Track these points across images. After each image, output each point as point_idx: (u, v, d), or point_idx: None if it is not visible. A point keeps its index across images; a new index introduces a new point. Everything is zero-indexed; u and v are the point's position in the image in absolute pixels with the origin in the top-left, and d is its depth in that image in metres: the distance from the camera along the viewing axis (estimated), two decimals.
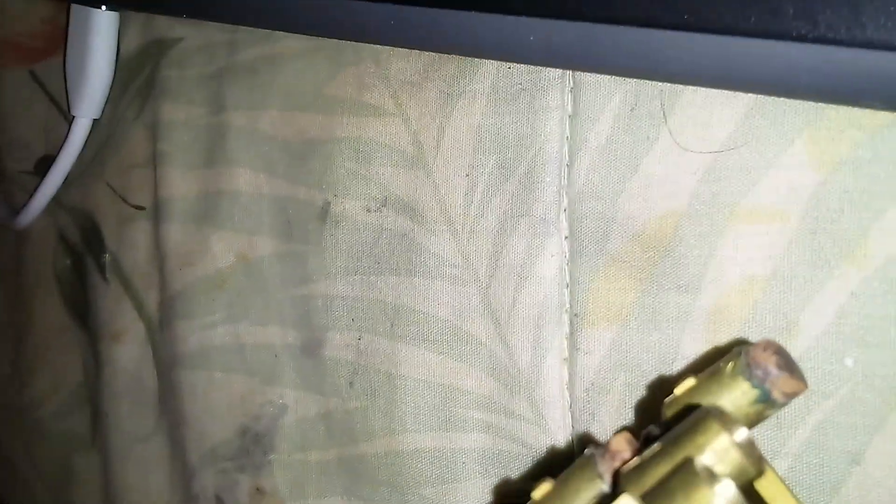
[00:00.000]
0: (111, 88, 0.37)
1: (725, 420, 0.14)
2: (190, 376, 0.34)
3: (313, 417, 0.31)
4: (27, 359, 0.42)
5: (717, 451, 0.13)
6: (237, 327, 0.33)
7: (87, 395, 0.39)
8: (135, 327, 0.37)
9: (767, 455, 0.22)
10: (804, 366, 0.22)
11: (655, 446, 0.15)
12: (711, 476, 0.13)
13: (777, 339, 0.22)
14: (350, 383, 0.30)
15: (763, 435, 0.22)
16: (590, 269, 0.25)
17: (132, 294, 0.37)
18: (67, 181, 0.39)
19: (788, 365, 0.16)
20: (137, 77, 0.36)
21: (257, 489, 0.32)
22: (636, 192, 0.24)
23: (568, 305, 0.26)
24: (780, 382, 0.15)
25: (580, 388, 0.26)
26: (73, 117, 0.37)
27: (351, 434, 0.30)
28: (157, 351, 0.36)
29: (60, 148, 0.38)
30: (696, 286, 0.23)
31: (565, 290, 0.26)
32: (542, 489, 0.17)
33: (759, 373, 0.15)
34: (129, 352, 0.37)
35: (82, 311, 0.39)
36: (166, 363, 0.35)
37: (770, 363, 0.15)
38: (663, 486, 0.13)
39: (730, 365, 0.16)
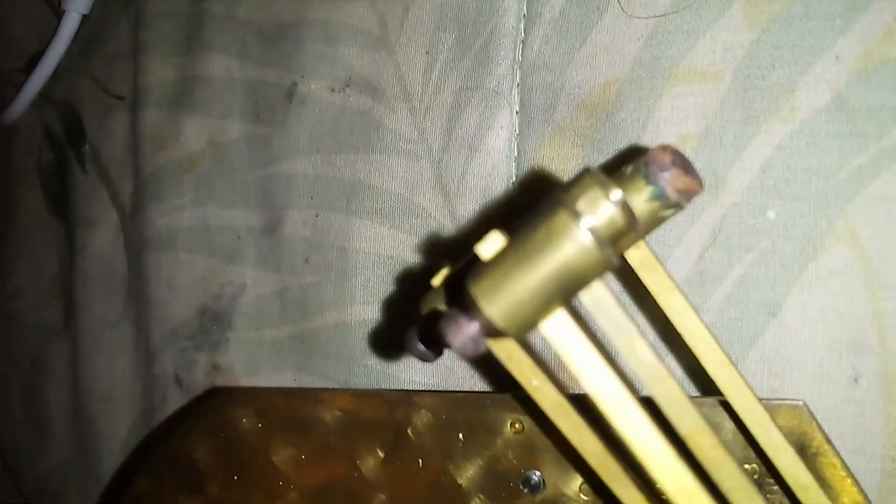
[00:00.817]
0: None
1: (600, 179, 0.15)
2: (156, 258, 0.35)
3: (270, 295, 0.32)
4: (8, 253, 0.43)
5: (588, 199, 0.14)
6: (204, 210, 0.34)
7: (61, 286, 0.40)
8: (109, 215, 0.37)
9: None
10: (729, 222, 0.22)
11: (542, 202, 0.15)
12: (575, 211, 0.13)
13: (704, 197, 0.22)
14: (306, 259, 0.31)
15: (687, 292, 0.23)
16: (537, 140, 0.26)
17: (108, 182, 0.37)
18: (55, 76, 0.40)
19: (684, 165, 0.16)
20: None
21: (213, 366, 0.33)
22: (584, 61, 0.25)
23: (514, 176, 0.26)
24: (673, 179, 0.16)
25: None
26: (63, 12, 0.38)
27: (304, 309, 0.31)
28: (129, 237, 0.37)
29: (49, 44, 0.39)
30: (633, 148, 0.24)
31: (513, 162, 0.26)
32: (440, 274, 0.17)
33: (654, 169, 0.16)
34: (102, 239, 0.38)
35: (61, 203, 0.40)
36: (136, 247, 0.36)
37: (666, 161, 0.16)
38: (529, 220, 0.13)
39: (629, 167, 0.16)
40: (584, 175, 0.14)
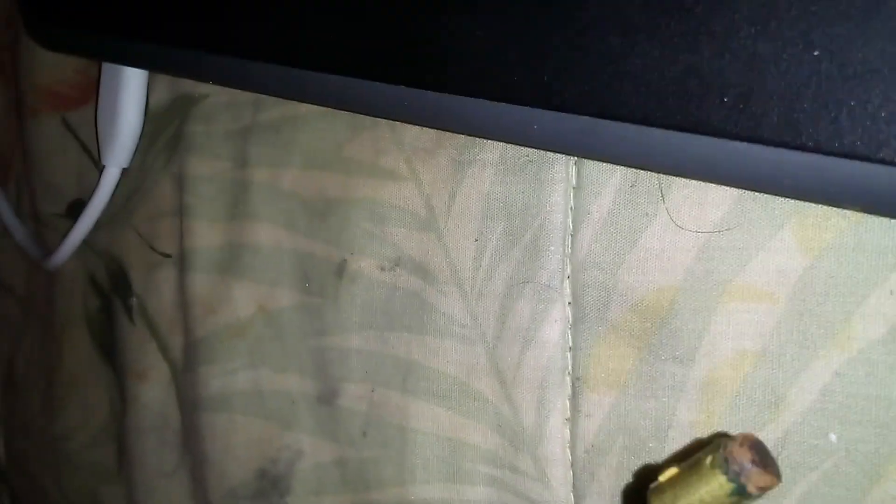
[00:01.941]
0: (140, 140, 0.39)
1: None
2: (211, 418, 0.36)
3: (328, 463, 0.33)
4: (58, 393, 0.44)
5: None
6: (257, 373, 0.34)
7: (113, 430, 0.41)
8: (159, 368, 0.38)
9: None
10: (791, 440, 0.23)
11: None
12: None
13: (765, 414, 0.23)
14: (363, 433, 0.31)
15: None
16: (591, 336, 0.27)
17: (157, 337, 0.38)
18: (97, 226, 0.40)
19: (763, 460, 0.17)
20: (165, 130, 0.38)
21: None
22: (635, 264, 0.26)
23: (570, 369, 0.27)
24: (753, 477, 0.17)
25: (581, 449, 0.27)
26: (104, 166, 0.39)
27: (364, 481, 0.32)
28: (181, 392, 0.38)
29: (91, 194, 0.40)
30: (690, 357, 0.25)
31: (568, 354, 0.27)
32: None
33: (735, 468, 0.17)
34: (153, 391, 0.39)
35: (110, 350, 0.41)
36: (189, 404, 0.37)
37: (745, 459, 0.17)
38: None
39: (709, 458, 0.17)
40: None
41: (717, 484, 0.17)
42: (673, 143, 0.21)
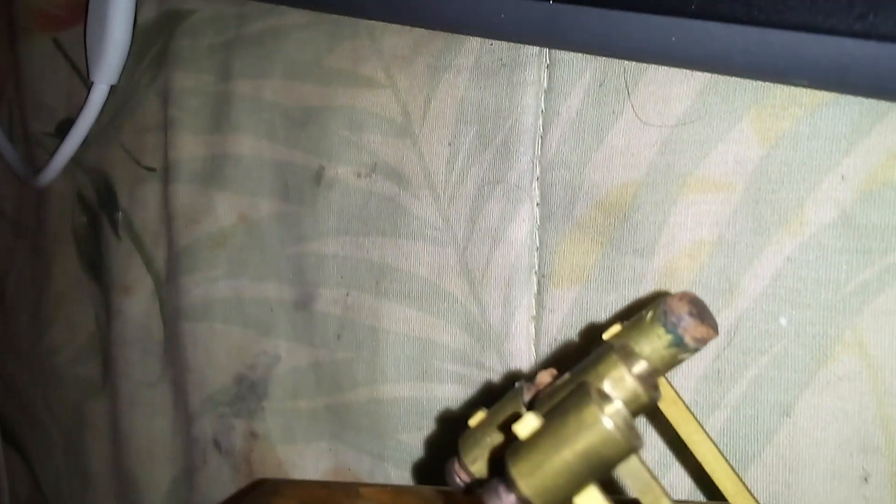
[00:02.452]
0: (128, 57, 0.39)
1: (626, 353, 0.16)
2: (192, 327, 0.36)
3: (304, 367, 0.33)
4: (46, 310, 0.45)
5: (613, 379, 0.15)
6: (237, 282, 0.35)
7: (99, 343, 0.42)
8: (144, 281, 0.39)
9: (708, 407, 0.24)
10: (744, 325, 0.24)
11: (566, 375, 0.17)
12: (603, 396, 0.15)
13: (720, 301, 0.24)
14: (338, 336, 0.32)
15: (704, 388, 0.24)
16: (557, 234, 0.27)
17: (142, 250, 0.39)
18: (86, 143, 0.41)
19: (701, 313, 0.18)
20: (152, 46, 0.39)
21: (251, 433, 0.35)
22: (601, 162, 0.26)
23: (536, 267, 0.28)
24: (691, 328, 0.17)
25: (545, 344, 0.27)
26: (92, 83, 0.40)
27: (338, 383, 0.32)
28: (164, 303, 0.38)
29: (80, 111, 0.40)
30: (650, 250, 0.25)
31: (535, 252, 0.28)
32: (476, 417, 0.19)
33: (672, 319, 0.17)
34: (138, 304, 0.39)
35: (96, 265, 0.42)
36: (171, 315, 0.38)
37: (683, 311, 0.17)
38: (561, 404, 0.15)
39: (650, 313, 0.18)
40: (608, 353, 0.16)
41: (656, 336, 0.18)
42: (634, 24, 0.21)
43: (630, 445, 0.14)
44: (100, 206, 0.41)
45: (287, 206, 0.34)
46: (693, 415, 0.19)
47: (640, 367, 0.16)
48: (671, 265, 0.25)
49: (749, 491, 0.19)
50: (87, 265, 0.42)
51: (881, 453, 0.22)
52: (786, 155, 0.23)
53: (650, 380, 0.16)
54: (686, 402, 0.22)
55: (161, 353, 0.39)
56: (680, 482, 0.25)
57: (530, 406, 0.17)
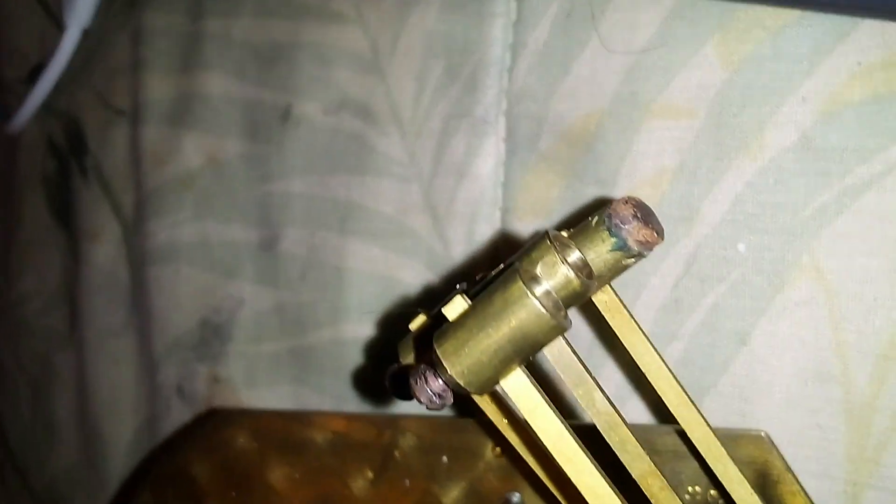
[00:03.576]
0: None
1: (560, 242, 0.16)
2: (158, 271, 0.36)
3: (268, 310, 0.33)
4: (15, 259, 0.44)
5: (545, 264, 0.15)
6: (203, 224, 0.35)
7: (66, 293, 0.41)
8: (111, 227, 0.38)
9: (666, 337, 0.24)
10: (703, 253, 0.23)
11: (502, 265, 0.16)
12: (531, 277, 0.14)
13: (680, 229, 0.23)
14: (302, 276, 0.32)
15: (663, 319, 0.24)
16: (521, 167, 0.27)
17: (110, 195, 0.39)
18: (58, 88, 0.41)
19: (646, 217, 0.17)
20: None
21: (214, 378, 0.34)
22: (566, 93, 0.26)
23: (501, 202, 0.27)
24: (634, 231, 0.17)
25: None
26: (65, 26, 0.39)
27: (301, 325, 0.32)
28: (131, 249, 0.38)
29: (51, 56, 0.40)
30: (612, 180, 0.25)
31: (499, 188, 0.27)
32: (416, 321, 0.18)
33: (616, 222, 0.17)
34: (105, 251, 0.39)
35: (65, 213, 0.41)
36: (137, 260, 0.37)
37: (627, 214, 0.17)
38: (489, 286, 0.14)
39: (595, 218, 0.17)
40: (542, 240, 0.15)
41: (600, 240, 0.17)
42: None
43: (558, 324, 0.14)
44: (70, 151, 0.41)
45: (254, 145, 0.33)
46: (638, 324, 0.18)
47: (574, 255, 0.15)
48: (633, 194, 0.24)
49: (692, 401, 0.18)
50: (56, 212, 0.42)
51: (836, 380, 0.22)
52: (748, 78, 0.22)
53: (585, 269, 0.15)
54: (645, 331, 0.22)
55: (128, 300, 0.38)
56: (639, 415, 0.25)
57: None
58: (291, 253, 0.32)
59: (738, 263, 0.23)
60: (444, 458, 0.23)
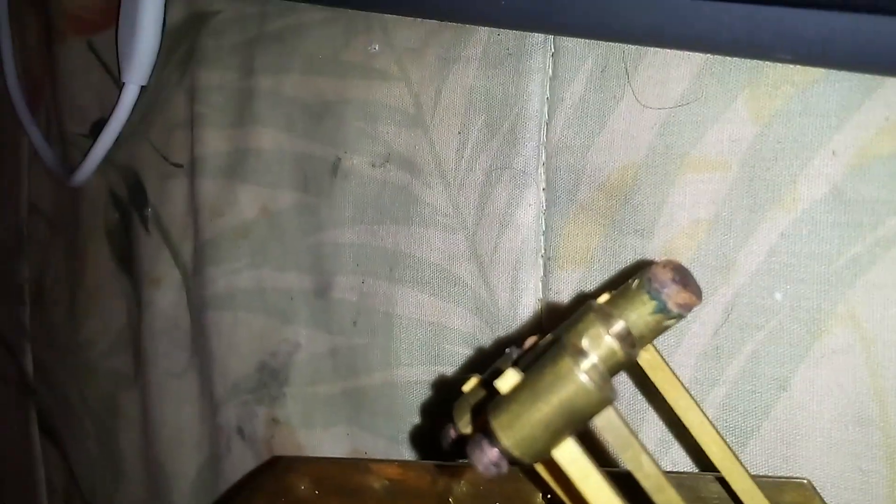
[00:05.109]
0: (157, 57, 0.41)
1: (604, 313, 0.17)
2: (217, 316, 0.38)
3: (322, 354, 0.34)
4: (81, 304, 0.47)
5: (590, 337, 0.16)
6: (259, 272, 0.36)
7: (130, 336, 0.43)
8: (172, 273, 0.40)
9: (708, 384, 0.25)
10: (741, 301, 0.24)
11: (549, 335, 0.17)
12: (579, 352, 0.15)
13: (717, 278, 0.24)
14: (354, 322, 0.33)
15: (703, 365, 0.25)
16: (562, 217, 0.28)
17: (170, 243, 0.40)
18: (117, 142, 0.43)
19: (684, 280, 0.18)
20: (180, 47, 0.40)
21: (273, 419, 0.36)
22: (603, 146, 0.27)
23: (543, 250, 0.28)
24: (674, 294, 0.18)
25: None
26: (123, 84, 0.42)
27: (354, 369, 0.33)
28: (191, 294, 0.40)
29: (112, 112, 0.42)
30: (650, 230, 0.26)
31: (541, 236, 0.29)
32: (469, 383, 0.20)
33: (656, 286, 0.18)
34: (166, 296, 0.41)
35: (127, 260, 0.43)
36: (197, 305, 0.39)
37: (667, 278, 0.18)
38: (539, 359, 0.15)
39: (636, 282, 0.18)
40: (587, 312, 0.16)
41: (641, 303, 0.18)
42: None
43: (604, 397, 0.15)
44: (130, 202, 0.43)
45: (306, 197, 0.35)
46: (680, 381, 0.19)
47: (618, 326, 0.17)
48: (670, 244, 0.25)
49: (734, 453, 0.19)
50: (119, 260, 0.44)
51: (876, 425, 0.22)
52: (778, 132, 0.23)
53: (628, 339, 0.16)
54: (685, 379, 0.23)
55: (188, 343, 0.40)
56: (681, 459, 0.25)
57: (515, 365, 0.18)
58: (343, 299, 0.34)
59: (776, 312, 0.23)
60: None
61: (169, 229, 0.41)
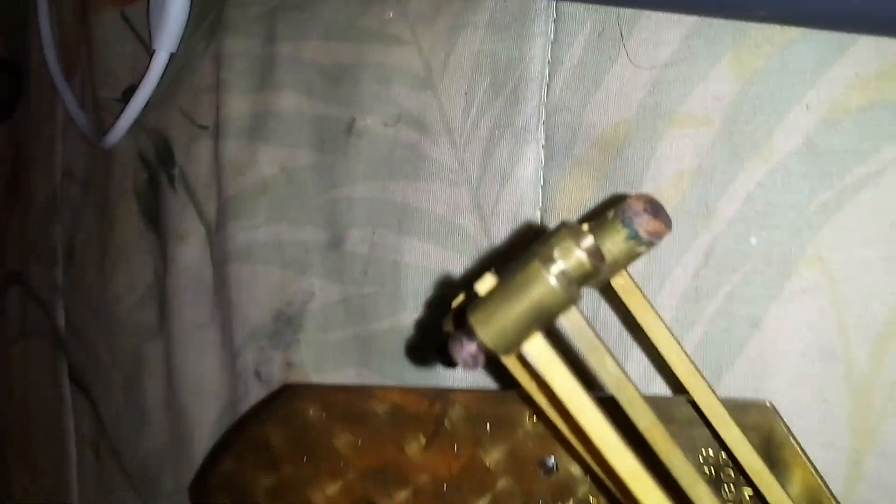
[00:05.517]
0: (186, 27, 0.43)
1: (575, 230, 0.19)
2: (237, 269, 0.40)
3: (334, 302, 0.37)
4: (110, 262, 0.49)
5: (561, 248, 0.18)
6: (277, 227, 0.39)
7: (156, 291, 0.46)
8: (196, 229, 0.43)
9: (687, 323, 0.27)
10: (719, 246, 0.26)
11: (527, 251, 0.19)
12: (548, 258, 0.17)
13: (699, 224, 0.26)
14: (364, 272, 0.35)
15: (684, 306, 0.27)
16: (558, 171, 0.30)
17: (195, 201, 0.43)
18: (147, 107, 0.45)
19: (655, 211, 0.20)
20: (207, 16, 0.43)
21: (288, 363, 0.38)
22: (598, 104, 0.29)
23: (540, 203, 0.30)
24: (644, 223, 0.20)
25: None
26: (154, 51, 0.44)
27: (364, 315, 0.35)
28: (214, 249, 0.42)
29: (142, 78, 0.45)
30: (639, 181, 0.28)
31: (539, 189, 0.30)
32: (457, 299, 0.22)
33: (629, 215, 0.20)
34: (191, 251, 0.43)
35: (155, 218, 0.46)
36: (219, 259, 0.41)
37: (639, 208, 0.20)
38: (513, 266, 0.17)
39: (611, 211, 0.20)
40: (560, 229, 0.18)
41: (616, 231, 0.20)
42: None
43: (569, 297, 0.17)
44: (158, 163, 0.45)
45: (322, 155, 0.37)
46: (652, 306, 0.21)
47: (588, 241, 0.18)
48: (657, 194, 0.27)
49: (699, 371, 0.21)
50: (147, 218, 0.46)
51: (840, 359, 0.24)
52: (758, 89, 0.25)
53: (597, 254, 0.18)
54: (668, 319, 0.25)
55: (210, 295, 0.43)
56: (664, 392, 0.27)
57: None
58: (355, 251, 0.36)
59: (751, 255, 0.25)
60: (488, 427, 0.26)
61: (194, 188, 0.43)
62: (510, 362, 0.20)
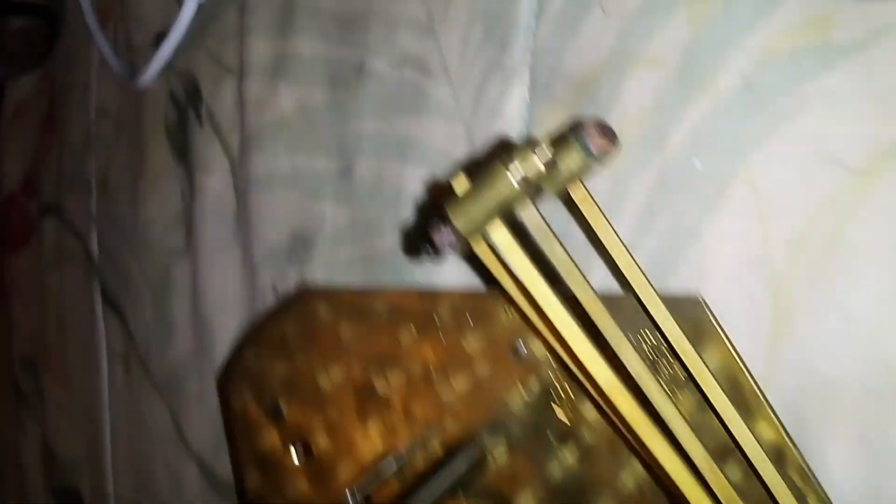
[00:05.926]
0: None
1: (535, 143, 0.23)
2: (258, 196, 0.45)
3: (344, 224, 0.42)
4: (141, 191, 0.54)
5: (521, 157, 0.22)
6: (294, 158, 0.43)
7: (184, 216, 0.51)
8: (221, 162, 0.48)
9: (641, 233, 0.31)
10: (670, 169, 0.31)
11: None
12: (510, 162, 0.22)
13: (654, 152, 0.31)
14: (371, 197, 0.40)
15: (639, 220, 0.31)
16: (540, 108, 0.34)
17: (220, 136, 0.48)
18: (178, 51, 0.50)
19: (604, 132, 0.25)
20: None
21: (301, 278, 0.43)
22: (576, 49, 0.33)
23: (525, 135, 0.35)
24: (595, 140, 0.24)
25: None
26: (184, 0, 0.48)
27: (369, 235, 0.40)
28: (236, 179, 0.47)
29: (173, 25, 0.49)
30: (607, 116, 0.32)
31: (524, 124, 0.35)
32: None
33: (583, 134, 0.24)
34: (216, 181, 0.48)
35: (183, 152, 0.51)
36: (242, 188, 0.46)
37: (592, 129, 0.24)
38: (482, 168, 0.22)
39: (570, 133, 0.25)
40: (523, 144, 0.23)
41: (571, 146, 0.25)
42: None
43: (525, 192, 0.22)
44: (188, 101, 0.50)
45: (335, 94, 0.42)
46: (603, 214, 0.26)
47: (544, 152, 0.23)
48: (621, 127, 0.32)
49: (640, 269, 0.26)
50: (176, 152, 0.51)
51: (764, 263, 0.29)
52: (707, 34, 0.30)
53: (552, 164, 0.23)
54: (624, 232, 0.29)
55: (233, 221, 0.48)
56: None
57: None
58: (363, 179, 0.41)
59: (695, 177, 0.30)
60: (470, 319, 0.31)
61: (220, 124, 0.48)
62: (482, 250, 0.25)
